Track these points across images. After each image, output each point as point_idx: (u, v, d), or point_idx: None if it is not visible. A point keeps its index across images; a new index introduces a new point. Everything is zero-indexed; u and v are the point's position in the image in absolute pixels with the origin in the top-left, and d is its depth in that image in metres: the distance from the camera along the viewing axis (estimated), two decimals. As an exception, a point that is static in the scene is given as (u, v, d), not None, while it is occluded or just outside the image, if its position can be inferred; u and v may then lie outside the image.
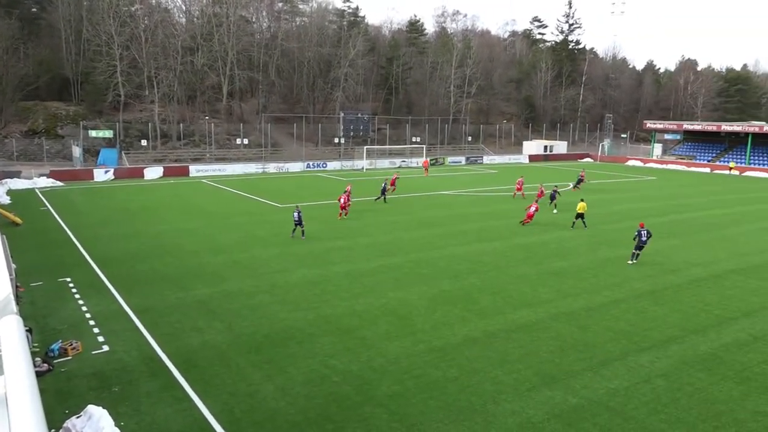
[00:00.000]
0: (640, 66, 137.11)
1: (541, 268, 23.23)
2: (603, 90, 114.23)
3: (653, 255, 25.27)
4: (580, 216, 31.22)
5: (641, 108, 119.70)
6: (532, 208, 31.95)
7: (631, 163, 78.68)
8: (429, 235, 29.23)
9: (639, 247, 24.26)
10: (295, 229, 28.36)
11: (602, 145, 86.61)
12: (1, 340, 2.56)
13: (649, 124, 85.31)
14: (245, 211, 36.16)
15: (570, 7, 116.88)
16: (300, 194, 43.07)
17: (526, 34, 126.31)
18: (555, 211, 35.91)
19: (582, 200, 32.23)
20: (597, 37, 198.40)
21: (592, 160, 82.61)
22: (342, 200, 33.43)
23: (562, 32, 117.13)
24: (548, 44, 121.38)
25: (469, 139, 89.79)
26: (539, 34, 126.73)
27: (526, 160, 79.67)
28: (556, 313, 18.05)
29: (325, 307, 18.34)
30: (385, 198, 39.76)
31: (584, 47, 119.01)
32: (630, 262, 24.33)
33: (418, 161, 69.15)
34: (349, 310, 18.01)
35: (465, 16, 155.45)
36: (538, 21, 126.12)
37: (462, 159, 75.48)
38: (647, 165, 76.55)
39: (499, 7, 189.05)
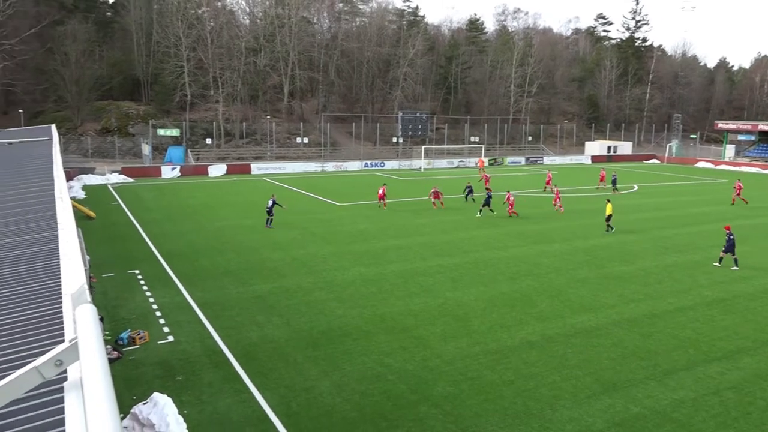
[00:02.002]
0: (711, 64, 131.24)
1: (602, 272, 22.57)
2: (671, 89, 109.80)
3: (724, 261, 24.10)
4: (608, 218, 29.93)
5: (712, 107, 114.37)
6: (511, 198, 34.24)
7: (700, 165, 75.31)
8: (487, 235, 28.89)
9: (730, 251, 23.35)
10: (269, 219, 29.90)
11: (669, 146, 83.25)
12: (78, 327, 2.68)
13: (721, 125, 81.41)
14: (304, 209, 36.75)
15: (637, 4, 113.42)
16: (358, 193, 43.38)
17: (590, 32, 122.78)
18: (479, 214, 34.15)
19: (608, 201, 31.01)
20: (665, 34, 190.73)
21: (658, 162, 79.60)
22: (433, 197, 37.01)
23: (628, 29, 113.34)
24: (613, 42, 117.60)
25: (529, 139, 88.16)
26: (604, 31, 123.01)
27: (589, 161, 77.52)
28: (618, 319, 17.50)
29: (381, 305, 18.42)
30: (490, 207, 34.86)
31: (651, 44, 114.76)
32: (729, 266, 23.46)
33: (477, 161, 68.46)
34: (405, 309, 18.03)
35: (526, 14, 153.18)
36: (603, 18, 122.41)
37: (521, 159, 74.17)
38: (718, 167, 73.07)
39: (561, 5, 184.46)
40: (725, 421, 11.72)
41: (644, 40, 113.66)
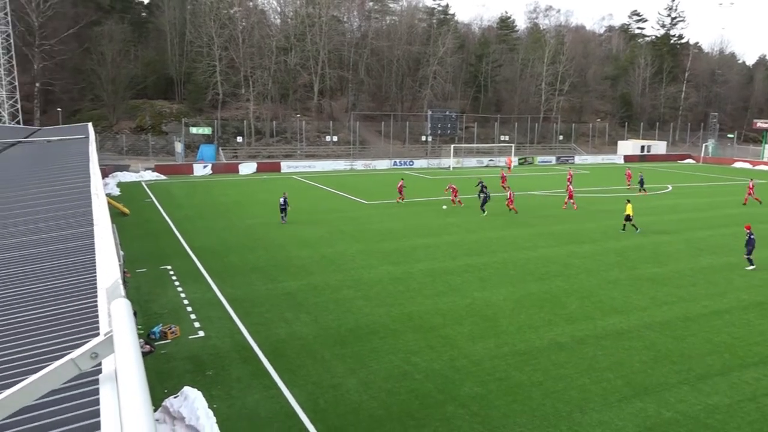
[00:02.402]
0: (751, 61, 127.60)
1: (634, 274, 22.18)
2: (708, 87, 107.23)
3: (760, 263, 23.46)
4: (628, 218, 29.50)
5: (751, 106, 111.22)
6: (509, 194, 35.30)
7: (737, 165, 73.38)
8: (516, 235, 28.64)
9: (751, 250, 22.97)
10: (283, 216, 31.23)
11: (705, 145, 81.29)
12: (113, 321, 2.74)
13: (760, 124, 79.16)
14: (332, 207, 36.94)
15: (673, 0, 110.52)
16: (386, 192, 43.40)
17: (624, 29, 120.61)
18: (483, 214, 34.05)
19: (628, 201, 30.58)
20: (702, 31, 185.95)
21: (694, 162, 77.87)
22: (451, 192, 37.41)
23: (663, 26, 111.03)
24: (648, 39, 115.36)
25: (560, 138, 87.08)
26: (638, 28, 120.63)
27: (621, 161, 76.22)
28: (650, 321, 17.17)
29: (409, 304, 18.41)
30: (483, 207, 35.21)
31: (688, 42, 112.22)
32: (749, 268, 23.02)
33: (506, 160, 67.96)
34: (432, 308, 17.99)
35: (558, 11, 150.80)
36: (637, 15, 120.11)
37: (552, 159, 73.33)
38: (756, 167, 71.10)
39: (594, 2, 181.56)
40: (762, 428, 11.41)
41: (680, 37, 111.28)
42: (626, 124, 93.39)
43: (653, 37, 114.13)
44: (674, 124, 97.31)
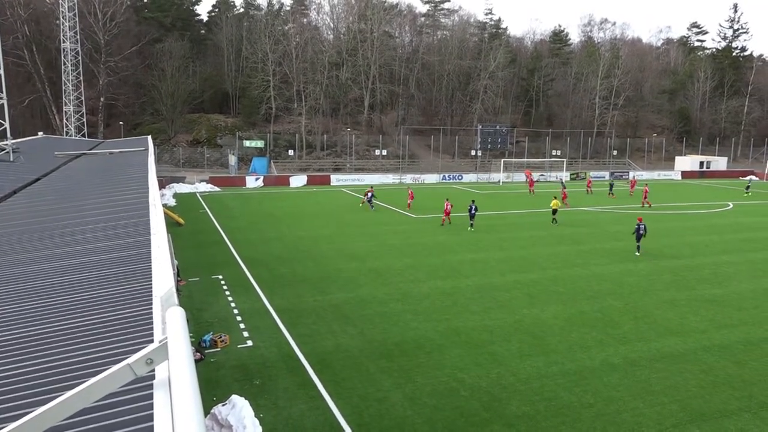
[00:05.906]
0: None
1: (692, 294, 21.35)
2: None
3: (641, 250, 22.83)
4: (554, 212, 35.28)
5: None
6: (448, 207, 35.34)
7: (805, 182, 69.87)
8: (567, 252, 28.05)
9: (638, 239, 27.50)
10: (371, 205, 40.18)
11: (770, 161, 77.80)
12: (168, 329, 2.84)
13: (830, 139, 75.10)
14: (381, 220, 37.08)
15: (735, 11, 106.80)
16: (434, 205, 43.24)
17: (683, 42, 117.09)
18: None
19: (555, 198, 36.68)
20: (767, 43, 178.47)
21: (756, 178, 74.58)
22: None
23: (724, 38, 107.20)
24: (708, 52, 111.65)
25: (615, 153, 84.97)
26: (698, 41, 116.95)
27: (678, 177, 73.82)
28: (709, 345, 16.47)
29: (456, 319, 18.26)
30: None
31: (751, 54, 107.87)
32: (637, 254, 27.18)
33: (558, 175, 66.80)
34: (480, 325, 17.78)
35: (614, 24, 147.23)
36: (697, 27, 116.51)
37: (606, 174, 71.62)
38: (826, 185, 67.51)
39: (652, 14, 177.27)
40: (830, 463, 10.76)
41: (743, 49, 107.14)
42: (684, 139, 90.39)
43: (714, 49, 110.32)
44: (736, 140, 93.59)
